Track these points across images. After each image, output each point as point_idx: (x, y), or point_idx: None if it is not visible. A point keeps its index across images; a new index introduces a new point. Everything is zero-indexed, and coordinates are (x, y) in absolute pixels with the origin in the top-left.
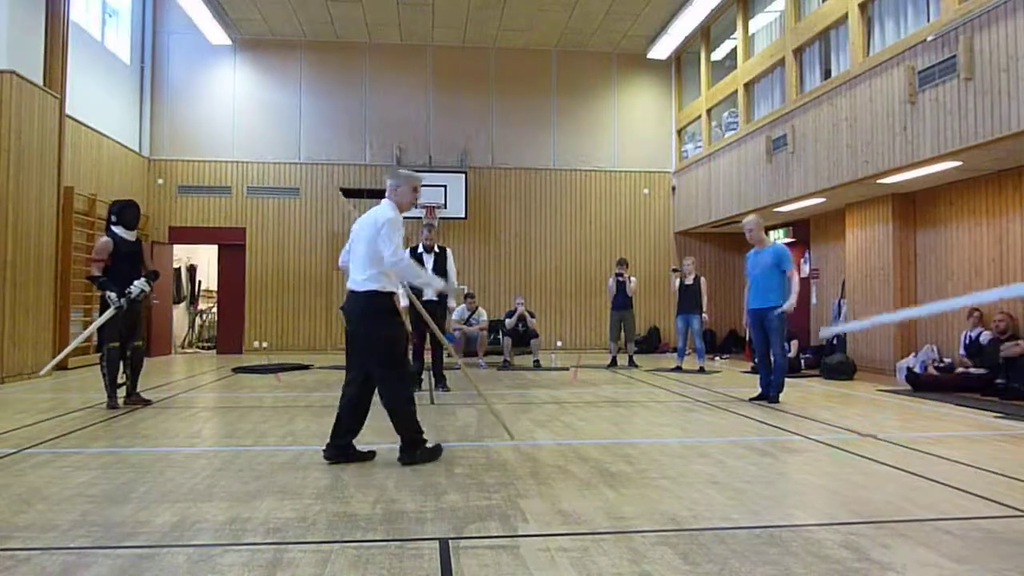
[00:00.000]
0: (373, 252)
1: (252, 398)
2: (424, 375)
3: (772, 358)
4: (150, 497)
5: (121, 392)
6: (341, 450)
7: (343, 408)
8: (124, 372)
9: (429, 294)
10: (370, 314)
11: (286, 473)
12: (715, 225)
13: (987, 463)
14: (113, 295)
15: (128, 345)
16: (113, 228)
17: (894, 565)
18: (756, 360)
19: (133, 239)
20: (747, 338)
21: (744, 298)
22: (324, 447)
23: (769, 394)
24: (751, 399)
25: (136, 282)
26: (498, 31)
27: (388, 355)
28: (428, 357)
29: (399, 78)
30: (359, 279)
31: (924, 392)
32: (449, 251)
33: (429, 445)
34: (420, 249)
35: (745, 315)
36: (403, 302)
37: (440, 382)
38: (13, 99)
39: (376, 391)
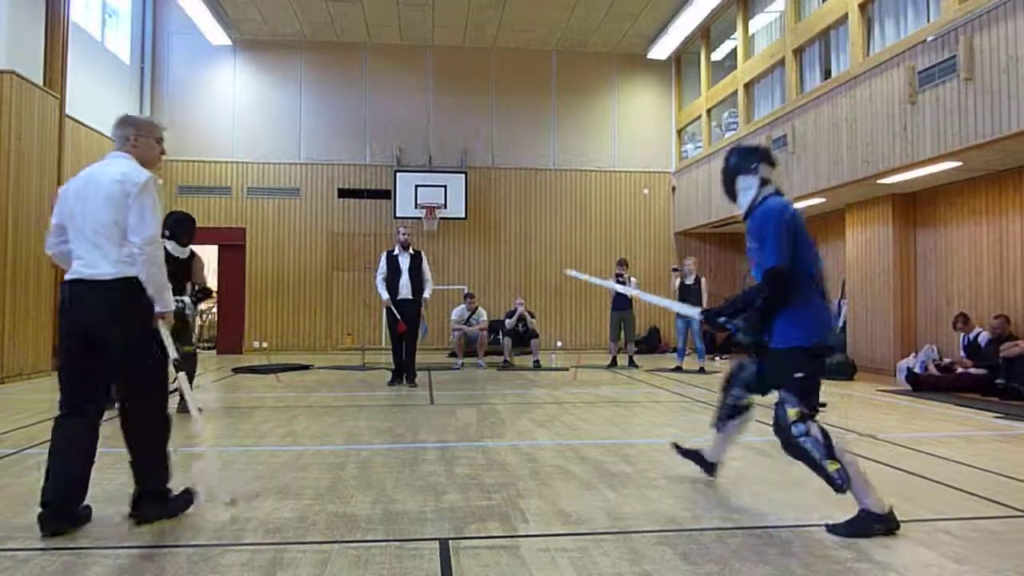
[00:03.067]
0: (122, 226)
1: (252, 398)
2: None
3: None
4: None
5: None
6: (70, 514)
7: (77, 456)
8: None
9: (404, 292)
10: (127, 311)
11: (286, 473)
12: (715, 225)
13: (987, 463)
14: (186, 298)
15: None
16: (165, 241)
17: (894, 565)
18: None
19: (185, 256)
20: None
21: None
22: (44, 516)
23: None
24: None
25: (185, 298)
26: (498, 31)
27: (154, 369)
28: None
29: (399, 78)
30: (102, 261)
31: (924, 392)
32: (424, 255)
33: (175, 493)
34: (396, 250)
35: None
36: (385, 295)
37: (410, 377)
38: (13, 99)
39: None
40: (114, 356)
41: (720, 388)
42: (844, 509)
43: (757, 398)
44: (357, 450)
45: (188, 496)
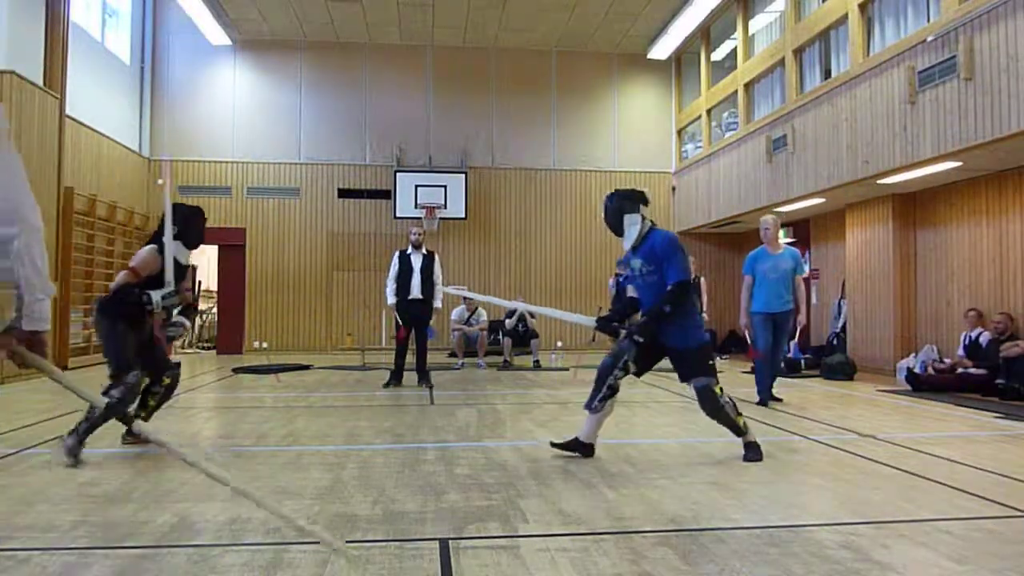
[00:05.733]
0: None
1: (252, 398)
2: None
3: (776, 359)
4: (150, 497)
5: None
6: None
7: None
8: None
9: (415, 292)
10: None
11: (286, 473)
12: (715, 225)
13: (987, 463)
14: (186, 321)
15: (166, 374)
16: (172, 241)
17: (894, 565)
18: (758, 362)
19: (185, 262)
20: (750, 339)
21: (743, 300)
22: None
23: (772, 396)
24: (759, 403)
25: (185, 321)
26: (498, 31)
27: None
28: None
29: (399, 78)
30: None
31: (924, 392)
32: (437, 256)
33: None
34: (409, 250)
35: (746, 316)
36: (390, 299)
37: (423, 379)
38: (13, 99)
39: None
40: None
41: (598, 374)
42: (845, 509)
43: (744, 391)
44: (357, 450)
45: None
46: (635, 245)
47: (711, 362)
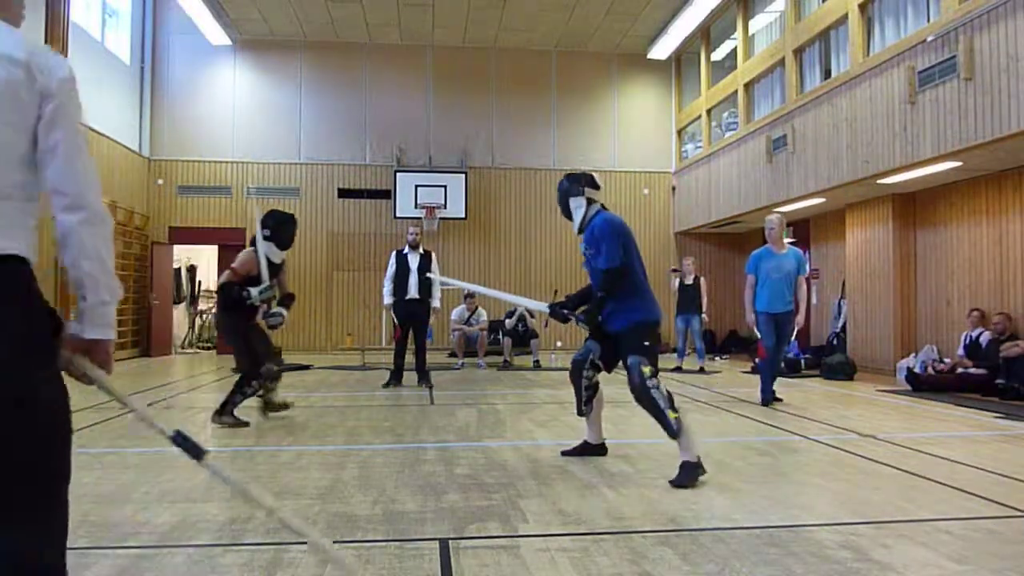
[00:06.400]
0: (22, 154)
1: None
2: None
3: (777, 359)
4: (150, 497)
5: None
6: None
7: None
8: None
9: (413, 292)
10: (14, 326)
11: (286, 473)
12: (715, 225)
13: (987, 463)
14: (285, 311)
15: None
16: (264, 242)
17: (894, 565)
18: (762, 362)
19: (279, 261)
20: (760, 335)
21: (748, 298)
22: None
23: (773, 395)
24: (761, 404)
25: (284, 311)
26: (498, 31)
27: (56, 456)
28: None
29: (399, 78)
30: None
31: (924, 392)
32: (435, 256)
33: None
34: (406, 250)
35: (752, 316)
36: (387, 300)
37: (423, 379)
38: None
39: None
40: None
41: (572, 379)
42: (845, 509)
43: (744, 391)
44: (357, 450)
45: None
46: (581, 228)
47: (647, 343)
